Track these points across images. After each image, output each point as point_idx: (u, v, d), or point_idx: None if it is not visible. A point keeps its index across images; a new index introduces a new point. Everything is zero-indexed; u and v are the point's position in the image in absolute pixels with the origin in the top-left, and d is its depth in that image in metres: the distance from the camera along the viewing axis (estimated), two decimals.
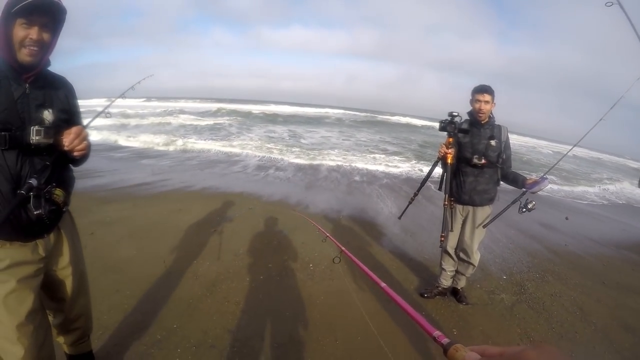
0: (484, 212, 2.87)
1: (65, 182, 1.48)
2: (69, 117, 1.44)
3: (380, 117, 36.61)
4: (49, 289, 1.57)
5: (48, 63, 1.37)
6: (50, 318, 1.67)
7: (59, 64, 1.42)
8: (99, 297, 2.71)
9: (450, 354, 0.59)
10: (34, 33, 1.24)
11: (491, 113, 2.77)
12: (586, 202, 9.66)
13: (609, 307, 3.40)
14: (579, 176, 14.45)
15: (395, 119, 35.25)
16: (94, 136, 11.07)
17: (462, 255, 3.01)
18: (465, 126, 2.75)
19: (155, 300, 2.81)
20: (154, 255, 3.55)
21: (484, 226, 2.87)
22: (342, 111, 36.11)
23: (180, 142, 11.75)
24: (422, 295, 3.22)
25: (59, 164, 1.40)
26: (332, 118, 29.01)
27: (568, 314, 3.19)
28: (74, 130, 1.35)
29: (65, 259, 1.57)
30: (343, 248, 1.48)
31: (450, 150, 2.63)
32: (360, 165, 10.75)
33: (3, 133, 1.23)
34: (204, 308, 2.77)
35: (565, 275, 4.06)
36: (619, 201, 10.83)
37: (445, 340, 0.62)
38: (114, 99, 1.71)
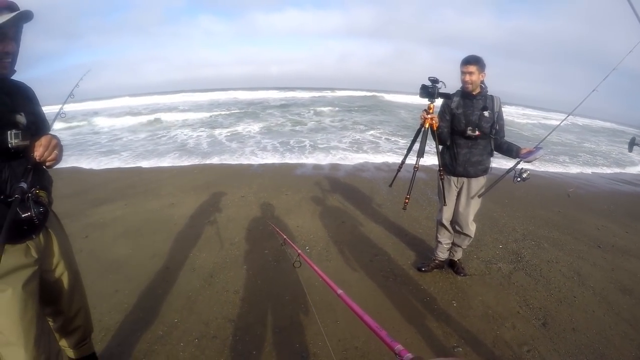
0: (478, 183, 2.85)
1: (45, 183, 1.48)
2: (36, 119, 1.45)
3: (384, 96, 36.17)
4: (45, 291, 1.57)
5: (13, 71, 1.38)
6: (50, 323, 1.67)
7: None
8: (99, 298, 2.70)
9: None
10: (10, 47, 1.25)
11: (483, 84, 2.69)
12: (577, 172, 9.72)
13: (606, 270, 3.43)
14: (570, 146, 14.50)
15: (394, 97, 34.78)
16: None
17: (458, 227, 3.01)
18: (451, 94, 2.68)
19: (155, 296, 2.81)
20: (150, 252, 3.53)
21: (479, 196, 2.86)
22: (343, 93, 35.60)
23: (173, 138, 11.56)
24: (419, 269, 3.24)
25: (37, 166, 1.40)
26: (326, 100, 28.42)
27: (566, 279, 3.22)
28: (43, 142, 1.34)
29: (57, 257, 1.58)
30: (299, 251, 1.66)
31: (430, 117, 2.51)
32: (356, 153, 10.62)
33: None
34: (204, 300, 2.77)
35: (560, 241, 4.10)
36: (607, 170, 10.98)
37: (407, 356, 0.60)
38: (63, 103, 1.75)
